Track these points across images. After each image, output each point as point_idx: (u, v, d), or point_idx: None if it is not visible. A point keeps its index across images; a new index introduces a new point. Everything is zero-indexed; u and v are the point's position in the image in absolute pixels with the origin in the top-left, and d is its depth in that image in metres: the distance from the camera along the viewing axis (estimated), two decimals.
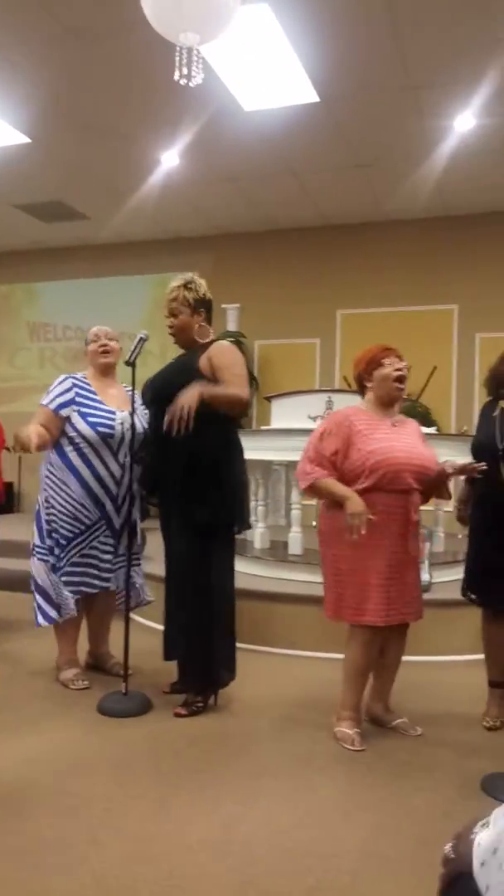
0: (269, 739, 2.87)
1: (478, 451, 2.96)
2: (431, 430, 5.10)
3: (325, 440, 2.81)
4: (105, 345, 3.46)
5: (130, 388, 3.25)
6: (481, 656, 3.18)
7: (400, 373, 2.90)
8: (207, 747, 2.78)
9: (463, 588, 3.14)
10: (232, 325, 7.99)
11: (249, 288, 7.95)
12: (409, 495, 2.78)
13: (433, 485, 2.89)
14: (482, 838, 0.90)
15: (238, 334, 7.88)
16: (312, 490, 2.83)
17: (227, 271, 7.98)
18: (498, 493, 2.81)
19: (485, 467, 2.78)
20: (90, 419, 3.28)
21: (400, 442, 2.80)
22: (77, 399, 3.32)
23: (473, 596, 3.09)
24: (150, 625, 4.29)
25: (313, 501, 6.59)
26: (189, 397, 2.88)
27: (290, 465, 4.87)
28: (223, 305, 7.66)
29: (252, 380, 7.64)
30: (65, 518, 3.31)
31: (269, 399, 5.13)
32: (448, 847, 1.00)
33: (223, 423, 3.07)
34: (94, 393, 3.38)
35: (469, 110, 5.14)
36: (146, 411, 3.29)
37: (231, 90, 4.92)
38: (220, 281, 7.87)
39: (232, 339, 7.66)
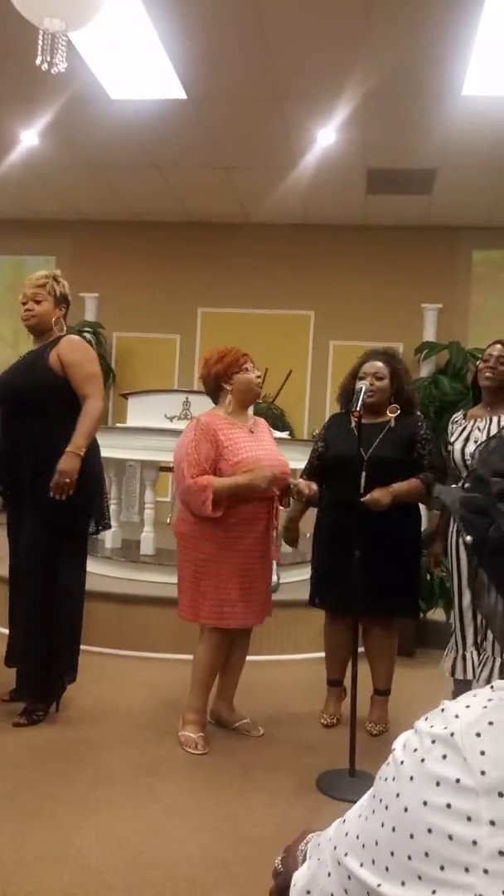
0: (112, 747, 2.85)
1: (338, 463, 3.06)
2: (285, 434, 5.24)
3: (199, 449, 2.80)
4: None
5: None
6: (323, 654, 3.33)
7: (260, 379, 2.98)
8: (47, 758, 2.71)
9: (310, 595, 3.26)
10: (90, 315, 7.79)
11: (110, 277, 7.78)
12: (272, 501, 2.87)
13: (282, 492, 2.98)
14: (298, 877, 0.84)
15: (96, 325, 7.70)
16: (216, 505, 2.75)
17: (86, 258, 7.77)
18: (343, 501, 2.94)
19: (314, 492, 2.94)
20: None
21: (262, 450, 2.88)
22: None
23: (315, 600, 3.23)
24: None
25: (167, 499, 6.56)
26: (69, 469, 2.85)
27: (145, 463, 4.84)
28: (81, 294, 7.44)
29: (109, 372, 7.50)
30: None
31: (125, 396, 5.06)
32: (278, 860, 1.02)
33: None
34: None
35: (331, 125, 5.31)
36: None
37: (97, 76, 4.78)
38: (79, 267, 7.68)
39: (89, 330, 7.51)
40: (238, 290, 7.60)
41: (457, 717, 0.64)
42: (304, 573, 3.67)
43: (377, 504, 2.84)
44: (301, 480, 3.06)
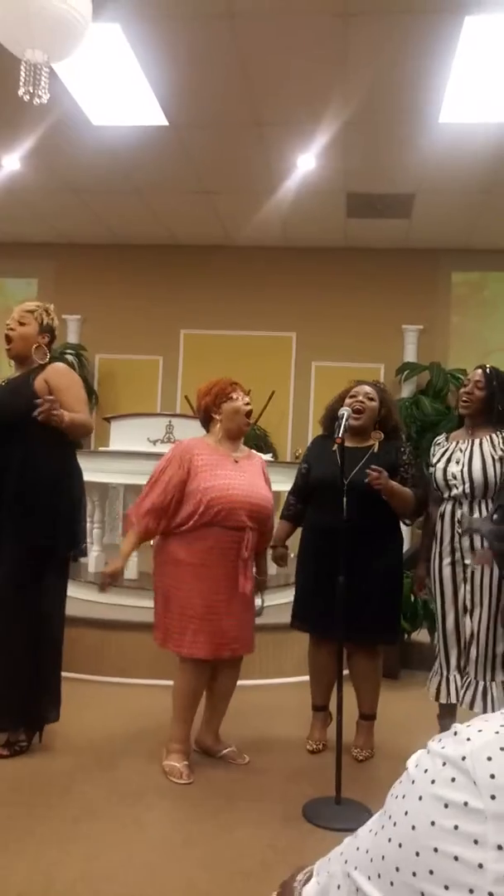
0: (96, 777, 2.81)
1: (320, 486, 3.08)
2: (268, 456, 5.24)
3: (166, 471, 2.85)
4: None
5: None
6: (308, 678, 3.32)
7: (249, 407, 2.99)
8: (30, 790, 2.67)
9: (292, 617, 3.27)
10: (73, 337, 7.79)
11: (92, 300, 7.79)
12: (243, 532, 2.85)
13: None
14: (308, 893, 0.86)
15: (79, 347, 7.70)
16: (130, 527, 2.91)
17: (69, 281, 7.79)
18: (325, 526, 2.95)
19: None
20: None
21: (238, 480, 2.87)
22: None
23: (297, 622, 3.23)
24: None
25: None
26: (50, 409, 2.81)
27: (128, 487, 4.83)
28: (64, 316, 7.44)
29: (91, 394, 7.48)
30: None
31: (108, 420, 5.05)
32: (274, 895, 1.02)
33: (63, 443, 3.00)
34: None
35: (311, 151, 5.39)
36: None
37: (79, 102, 4.82)
38: (61, 290, 7.70)
39: (72, 352, 7.50)
40: (220, 311, 7.64)
41: (468, 740, 0.64)
42: (289, 596, 3.66)
43: (377, 479, 2.84)
44: (277, 549, 3.26)
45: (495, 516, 0.78)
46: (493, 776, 0.60)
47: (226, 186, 6.18)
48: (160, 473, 2.86)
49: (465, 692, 2.94)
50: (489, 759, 0.62)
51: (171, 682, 2.98)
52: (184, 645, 2.81)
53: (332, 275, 7.50)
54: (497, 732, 0.64)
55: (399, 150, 5.30)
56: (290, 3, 3.76)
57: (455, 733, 0.66)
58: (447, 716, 3.07)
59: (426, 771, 0.65)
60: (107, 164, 5.76)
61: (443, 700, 3.01)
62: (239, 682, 3.15)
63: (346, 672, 3.14)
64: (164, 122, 5.05)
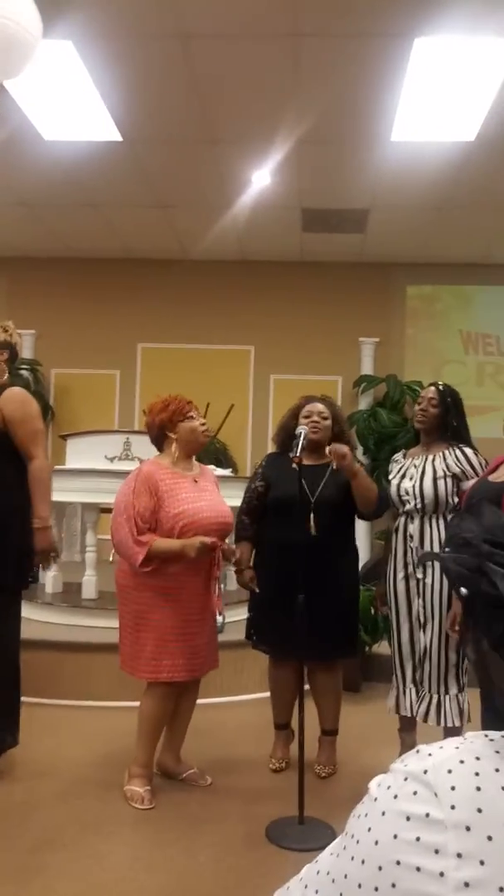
0: (55, 805, 2.76)
1: (283, 505, 3.07)
2: (228, 472, 5.24)
3: (138, 500, 2.78)
4: None
5: None
6: (269, 694, 3.31)
7: (205, 427, 2.98)
8: None
9: (246, 631, 3.26)
10: (27, 353, 7.68)
11: (47, 314, 7.70)
12: (213, 551, 2.84)
13: None
14: None
15: (33, 362, 7.60)
16: (146, 562, 2.74)
17: (22, 295, 7.68)
18: (287, 543, 2.95)
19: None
20: None
21: (203, 500, 2.86)
22: None
23: (254, 638, 3.22)
24: None
25: (109, 536, 6.45)
26: (48, 545, 3.04)
27: (86, 505, 4.77)
28: (18, 331, 7.33)
29: (47, 410, 7.38)
30: None
31: (64, 437, 4.99)
32: None
33: (15, 472, 2.95)
34: None
35: (265, 168, 5.42)
36: None
37: (30, 117, 4.78)
38: (14, 305, 7.58)
39: (26, 367, 7.40)
40: (178, 325, 7.62)
41: (430, 755, 0.66)
42: (247, 611, 3.65)
43: (343, 457, 2.86)
44: (229, 546, 3.07)
45: (447, 548, 0.79)
46: (453, 788, 0.62)
47: (181, 201, 6.18)
48: (136, 504, 2.77)
49: (419, 705, 2.96)
50: (449, 771, 0.63)
51: (130, 704, 2.96)
52: (162, 670, 2.77)
53: (289, 289, 7.55)
54: (457, 748, 0.66)
55: (353, 167, 5.37)
56: (243, 24, 3.79)
57: (417, 751, 0.68)
58: (407, 729, 3.09)
59: (388, 787, 0.66)
60: (60, 179, 5.71)
61: (401, 713, 3.03)
62: (201, 701, 3.13)
63: (307, 687, 3.15)
64: (118, 138, 5.03)
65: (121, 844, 2.50)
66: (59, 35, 3.79)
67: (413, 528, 2.99)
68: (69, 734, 3.48)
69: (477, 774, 0.62)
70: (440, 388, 3.10)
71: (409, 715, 3.00)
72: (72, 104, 4.61)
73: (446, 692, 2.92)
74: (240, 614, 4.38)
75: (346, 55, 4.02)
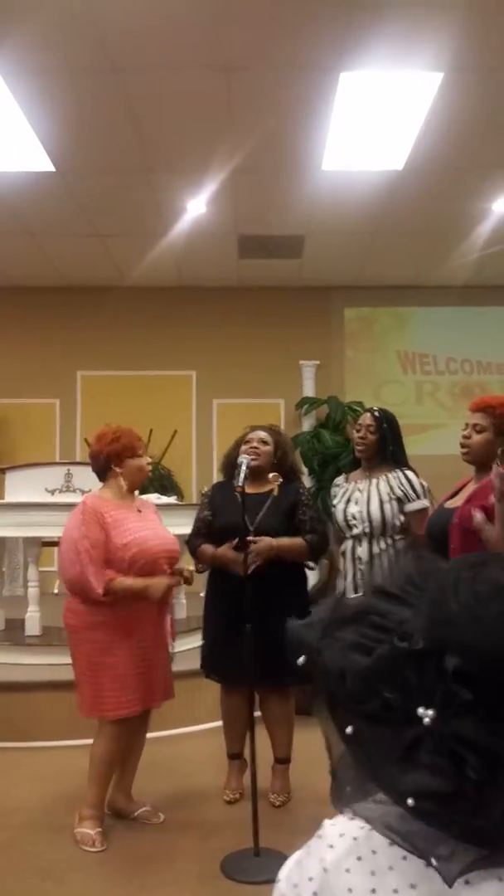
0: (2, 853, 2.66)
1: (225, 533, 3.04)
2: (172, 499, 5.20)
3: (90, 534, 2.73)
4: None
5: None
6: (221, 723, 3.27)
7: (150, 466, 2.97)
8: None
9: (201, 661, 3.23)
10: None
11: None
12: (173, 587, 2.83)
13: None
14: None
15: None
16: (108, 594, 2.69)
17: None
18: (231, 573, 2.94)
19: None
20: None
21: (149, 530, 2.85)
22: None
23: (208, 671, 3.19)
24: None
25: (54, 568, 6.33)
26: None
27: (27, 540, 4.66)
28: None
29: None
30: None
31: (2, 471, 4.88)
32: None
33: None
34: None
35: (201, 196, 5.48)
36: None
37: None
38: None
39: None
40: (118, 352, 7.58)
41: (331, 847, 0.68)
42: (199, 640, 3.62)
43: (259, 554, 2.87)
44: (183, 567, 3.03)
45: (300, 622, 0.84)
46: (350, 890, 0.64)
47: (117, 230, 6.18)
48: (87, 537, 2.72)
49: None
50: (347, 870, 0.65)
51: (80, 742, 2.88)
52: (123, 706, 2.73)
53: (229, 313, 7.61)
54: (355, 839, 0.67)
55: (286, 195, 5.48)
56: (174, 58, 3.85)
57: (319, 836, 0.69)
58: None
59: (295, 886, 0.68)
60: None
61: None
62: (153, 735, 3.08)
63: (258, 714, 3.13)
64: (51, 168, 5.01)
65: (72, 890, 2.42)
66: None
67: (361, 550, 3.03)
68: (14, 777, 3.37)
69: (373, 874, 0.64)
70: (376, 413, 3.17)
71: None
72: (2, 136, 4.58)
73: None
74: (188, 643, 4.34)
75: (275, 87, 4.12)
